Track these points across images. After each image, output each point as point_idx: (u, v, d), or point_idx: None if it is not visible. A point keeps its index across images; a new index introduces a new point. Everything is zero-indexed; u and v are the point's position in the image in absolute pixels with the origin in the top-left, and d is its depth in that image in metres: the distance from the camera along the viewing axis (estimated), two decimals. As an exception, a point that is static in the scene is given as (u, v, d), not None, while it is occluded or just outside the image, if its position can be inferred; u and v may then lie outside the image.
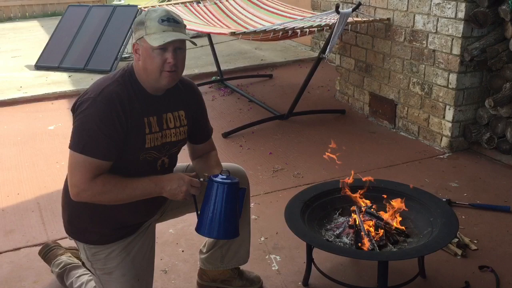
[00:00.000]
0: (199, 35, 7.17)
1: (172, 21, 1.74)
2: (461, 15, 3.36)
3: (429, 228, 2.14)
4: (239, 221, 1.83)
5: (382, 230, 2.16)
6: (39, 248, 2.47)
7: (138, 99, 1.80)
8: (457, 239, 2.52)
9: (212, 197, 1.76)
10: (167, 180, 1.79)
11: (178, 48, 1.76)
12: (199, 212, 1.83)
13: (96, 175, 1.72)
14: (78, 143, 1.73)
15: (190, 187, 1.77)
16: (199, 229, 1.81)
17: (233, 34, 3.74)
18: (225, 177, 1.79)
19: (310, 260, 2.23)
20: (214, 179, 1.78)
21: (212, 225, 1.77)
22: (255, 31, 3.88)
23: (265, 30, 3.83)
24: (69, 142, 1.77)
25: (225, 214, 1.77)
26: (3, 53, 7.13)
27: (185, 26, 1.82)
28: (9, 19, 10.62)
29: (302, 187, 2.98)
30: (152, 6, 5.19)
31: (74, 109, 1.80)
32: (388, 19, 4.01)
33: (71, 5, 7.19)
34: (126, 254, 1.91)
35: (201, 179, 1.82)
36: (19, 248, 2.67)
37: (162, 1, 5.95)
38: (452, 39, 3.46)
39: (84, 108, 1.74)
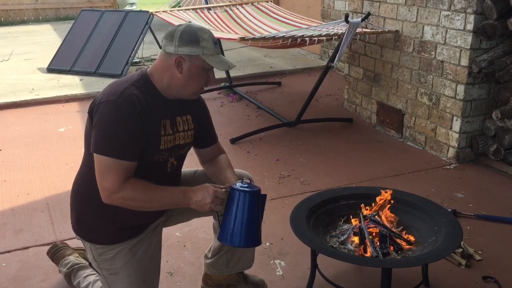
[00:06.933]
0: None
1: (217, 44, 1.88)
2: (469, 27, 3.39)
3: (433, 237, 2.15)
4: (261, 229, 1.82)
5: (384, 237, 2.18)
6: (47, 247, 2.51)
7: (154, 102, 1.84)
8: (461, 249, 2.53)
9: (234, 206, 1.74)
10: (193, 191, 1.79)
11: None
12: (221, 221, 1.80)
13: (125, 178, 1.73)
14: (106, 146, 1.73)
15: (215, 199, 1.76)
16: (221, 237, 1.79)
17: (242, 39, 3.78)
18: (246, 185, 1.78)
19: (314, 266, 2.25)
20: (236, 187, 1.76)
21: (234, 233, 1.75)
22: (264, 37, 3.91)
23: (274, 36, 3.87)
24: (91, 146, 1.76)
25: (248, 222, 1.74)
26: (16, 55, 7.23)
27: None
28: (22, 22, 10.77)
29: (308, 194, 3.00)
30: (163, 11, 5.26)
31: (92, 112, 1.81)
32: (397, 31, 4.04)
33: (84, 10, 7.31)
34: (132, 255, 1.93)
35: (224, 189, 1.79)
36: (28, 247, 2.71)
37: (173, 7, 6.02)
38: (461, 51, 3.48)
39: (106, 111, 1.75)
